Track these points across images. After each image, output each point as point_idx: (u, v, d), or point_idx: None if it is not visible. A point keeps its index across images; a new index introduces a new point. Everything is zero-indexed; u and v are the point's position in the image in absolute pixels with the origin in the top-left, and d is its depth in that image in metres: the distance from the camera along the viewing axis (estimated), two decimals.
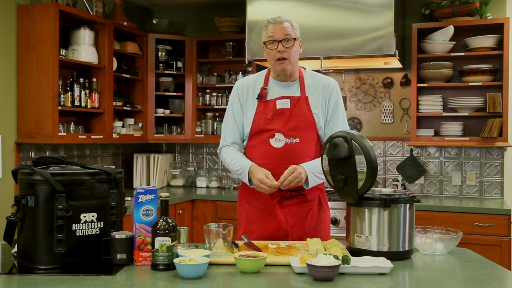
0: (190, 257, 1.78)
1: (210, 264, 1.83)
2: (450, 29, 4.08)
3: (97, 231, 1.91)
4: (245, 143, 2.51)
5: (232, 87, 4.89)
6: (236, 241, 2.12)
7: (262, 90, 2.45)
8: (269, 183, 2.28)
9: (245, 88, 2.49)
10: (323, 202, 2.49)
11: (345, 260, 1.77)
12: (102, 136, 4.11)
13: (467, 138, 4.10)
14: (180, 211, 4.28)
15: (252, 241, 2.16)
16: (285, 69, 2.40)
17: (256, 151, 2.44)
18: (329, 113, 2.45)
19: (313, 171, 2.33)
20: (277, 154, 2.38)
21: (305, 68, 2.54)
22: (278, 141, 2.38)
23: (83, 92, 3.93)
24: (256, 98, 2.44)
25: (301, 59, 3.97)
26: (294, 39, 2.38)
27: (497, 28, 4.00)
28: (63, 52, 3.82)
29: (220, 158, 2.57)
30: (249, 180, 2.39)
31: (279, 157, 2.37)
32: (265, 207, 2.42)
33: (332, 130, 2.34)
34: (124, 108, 4.45)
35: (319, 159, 2.28)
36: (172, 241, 1.81)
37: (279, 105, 2.40)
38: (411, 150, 4.48)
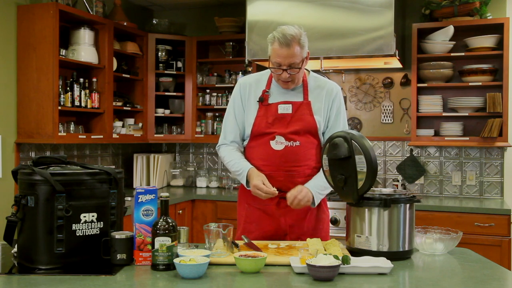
0: (190, 257, 1.78)
1: (210, 264, 1.83)
2: (450, 29, 4.08)
3: (97, 231, 1.91)
4: (245, 142, 2.50)
5: (232, 87, 4.93)
6: (236, 241, 2.12)
7: (264, 93, 2.43)
8: (265, 189, 2.27)
9: (247, 87, 2.47)
10: (322, 202, 2.49)
11: (345, 260, 1.77)
12: (102, 136, 4.11)
13: (467, 138, 4.10)
14: (180, 211, 4.28)
15: (252, 241, 2.16)
16: (289, 88, 2.40)
17: (256, 152, 2.44)
18: (331, 119, 2.44)
19: (318, 191, 2.36)
20: (277, 157, 2.38)
21: (309, 71, 2.51)
22: (278, 143, 2.38)
23: (83, 92, 3.93)
24: (258, 101, 2.43)
25: None
26: (303, 60, 2.31)
27: (497, 28, 4.00)
28: (63, 52, 3.82)
29: (219, 155, 2.57)
30: (247, 182, 2.39)
31: (279, 159, 2.38)
32: (264, 207, 2.43)
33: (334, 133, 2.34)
34: (124, 108, 4.45)
35: (322, 174, 2.29)
36: (172, 241, 1.81)
37: (281, 110, 2.39)
38: (411, 150, 4.48)
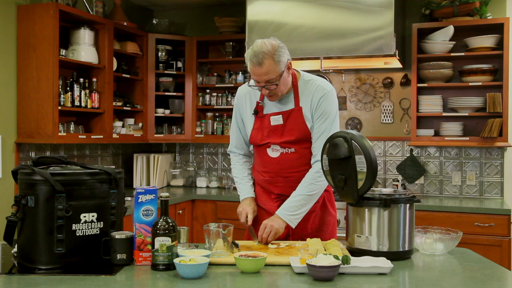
0: (190, 257, 1.78)
1: (210, 264, 1.83)
2: (450, 29, 4.08)
3: (97, 231, 1.91)
4: (251, 147, 2.57)
5: (232, 87, 4.95)
6: (236, 241, 2.12)
7: (257, 104, 2.44)
8: (242, 221, 2.37)
9: (243, 97, 2.50)
10: (328, 203, 2.48)
11: (345, 260, 1.77)
12: (102, 136, 4.11)
13: (467, 138, 4.10)
14: (180, 211, 4.28)
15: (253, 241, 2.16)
16: (274, 100, 2.37)
17: (257, 158, 2.51)
18: (314, 119, 2.35)
19: (287, 212, 2.30)
20: (274, 163, 2.41)
21: (299, 72, 2.44)
22: (274, 151, 2.40)
23: (83, 92, 3.93)
24: (253, 114, 2.44)
25: (301, 59, 4.01)
26: (280, 75, 2.24)
27: (497, 28, 4.00)
28: (63, 52, 3.82)
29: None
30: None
31: (276, 166, 2.40)
32: (268, 207, 2.44)
33: (314, 142, 2.34)
34: (124, 108, 4.45)
35: (295, 194, 2.31)
36: (172, 241, 1.81)
37: (273, 122, 2.39)
38: (411, 150, 4.48)
